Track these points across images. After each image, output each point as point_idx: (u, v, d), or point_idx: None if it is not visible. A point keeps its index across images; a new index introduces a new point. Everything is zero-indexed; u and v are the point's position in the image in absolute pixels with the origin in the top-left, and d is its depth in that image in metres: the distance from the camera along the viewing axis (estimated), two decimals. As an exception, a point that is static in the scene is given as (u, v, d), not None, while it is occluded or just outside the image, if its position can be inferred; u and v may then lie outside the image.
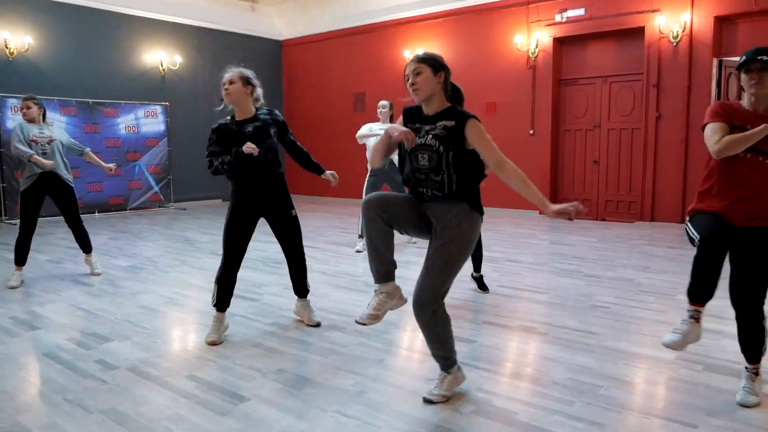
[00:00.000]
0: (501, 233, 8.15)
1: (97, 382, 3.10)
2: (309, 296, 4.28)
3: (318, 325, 4.08)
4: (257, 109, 3.88)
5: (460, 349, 3.65)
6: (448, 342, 2.91)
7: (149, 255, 6.73)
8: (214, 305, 3.82)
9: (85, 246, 5.71)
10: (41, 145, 5.40)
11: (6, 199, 9.59)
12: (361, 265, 6.17)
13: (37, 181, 5.38)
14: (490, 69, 10.74)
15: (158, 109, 11.56)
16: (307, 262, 6.21)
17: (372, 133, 6.89)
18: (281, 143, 4.03)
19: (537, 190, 2.62)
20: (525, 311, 4.49)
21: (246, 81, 3.77)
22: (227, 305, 3.87)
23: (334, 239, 7.86)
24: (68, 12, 10.50)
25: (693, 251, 2.78)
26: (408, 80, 2.74)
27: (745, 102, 2.85)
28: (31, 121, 5.46)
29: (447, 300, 4.70)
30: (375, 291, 2.81)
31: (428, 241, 2.83)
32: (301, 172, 4.10)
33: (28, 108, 5.47)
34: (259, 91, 3.89)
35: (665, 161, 9.30)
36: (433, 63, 2.72)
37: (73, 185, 5.65)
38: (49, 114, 9.88)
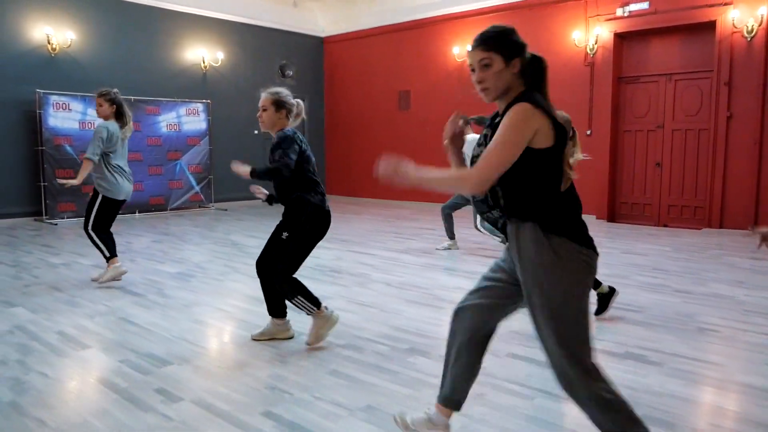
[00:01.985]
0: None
1: (160, 418, 2.67)
2: (377, 311, 3.97)
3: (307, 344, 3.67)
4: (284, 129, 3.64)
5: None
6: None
7: (197, 260, 6.34)
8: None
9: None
10: None
11: (47, 199, 9.33)
12: (426, 275, 5.69)
13: None
14: (545, 66, 10.19)
15: (200, 106, 11.25)
16: (366, 271, 6.04)
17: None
18: None
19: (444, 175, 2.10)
20: (625, 334, 3.97)
21: (279, 105, 3.58)
22: (274, 311, 3.78)
23: (389, 245, 7.40)
24: (111, 7, 10.24)
25: None
26: (473, 72, 2.06)
27: None
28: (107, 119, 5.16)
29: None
30: (426, 412, 2.38)
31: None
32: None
33: (99, 105, 5.17)
34: (297, 110, 3.66)
35: (736, 164, 8.66)
36: (504, 48, 2.00)
37: (99, 192, 5.23)
38: (91, 111, 9.67)
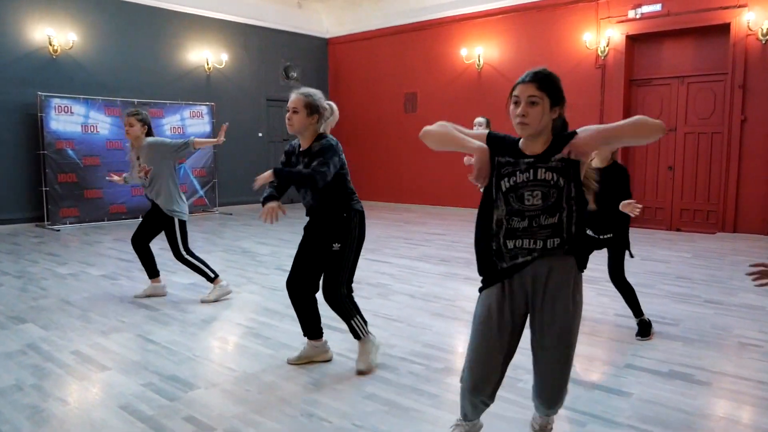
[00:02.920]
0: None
1: (194, 451, 2.49)
2: (404, 325, 3.83)
3: (359, 373, 3.38)
4: (318, 135, 3.34)
5: (612, 403, 3.02)
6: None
7: (209, 270, 6.15)
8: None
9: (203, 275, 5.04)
10: (141, 178, 4.85)
11: (49, 204, 9.12)
12: (447, 285, 5.53)
13: (152, 205, 4.98)
14: (554, 69, 9.52)
15: (204, 109, 11.05)
16: (386, 281, 5.88)
17: None
18: None
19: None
20: (666, 350, 3.80)
21: (312, 109, 3.26)
22: (310, 333, 3.54)
23: (403, 252, 7.23)
24: (113, 8, 10.04)
25: None
26: (516, 105, 2.12)
27: None
28: (135, 141, 4.83)
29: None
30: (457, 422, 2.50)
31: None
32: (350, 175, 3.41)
33: (131, 126, 4.76)
34: (331, 116, 3.39)
35: (751, 167, 8.54)
36: (554, 94, 2.12)
37: (174, 216, 4.89)
38: (93, 114, 9.49)
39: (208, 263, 5.04)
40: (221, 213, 11.15)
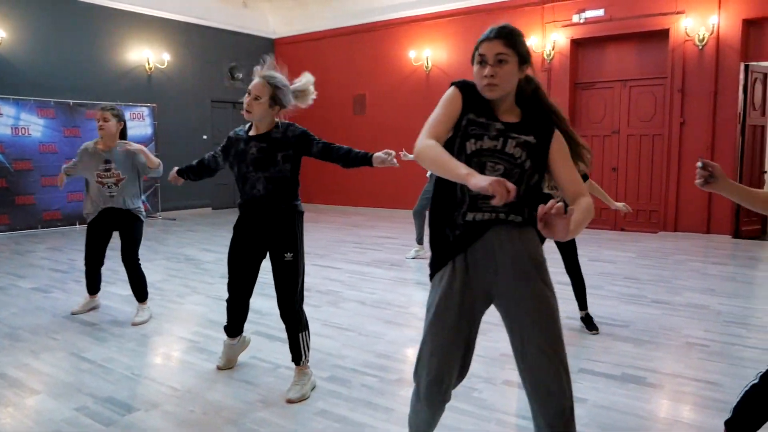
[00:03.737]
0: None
1: (131, 482, 2.31)
2: (355, 334, 3.74)
3: (289, 401, 3.07)
4: (277, 123, 3.16)
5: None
6: None
7: (151, 279, 5.76)
8: (225, 329, 3.46)
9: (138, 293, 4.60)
10: (108, 186, 4.38)
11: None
12: (399, 291, 5.44)
13: (102, 212, 4.48)
14: (502, 71, 10.12)
15: (145, 110, 10.64)
16: (336, 288, 5.74)
17: None
18: (314, 157, 3.22)
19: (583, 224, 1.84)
20: (618, 353, 3.81)
21: (276, 101, 3.05)
22: (236, 331, 3.47)
23: (353, 257, 7.10)
24: (46, 4, 9.53)
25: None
26: (481, 65, 1.91)
27: None
28: (102, 140, 4.40)
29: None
30: None
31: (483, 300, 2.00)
32: None
33: (105, 120, 4.31)
34: (288, 102, 3.13)
35: (690, 168, 8.78)
36: (522, 50, 1.93)
37: (141, 217, 4.61)
38: (25, 116, 9.00)
39: None
40: (164, 218, 10.77)
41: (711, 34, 8.47)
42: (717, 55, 8.51)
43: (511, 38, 1.91)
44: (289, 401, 3.04)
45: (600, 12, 9.31)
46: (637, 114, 9.41)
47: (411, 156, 2.77)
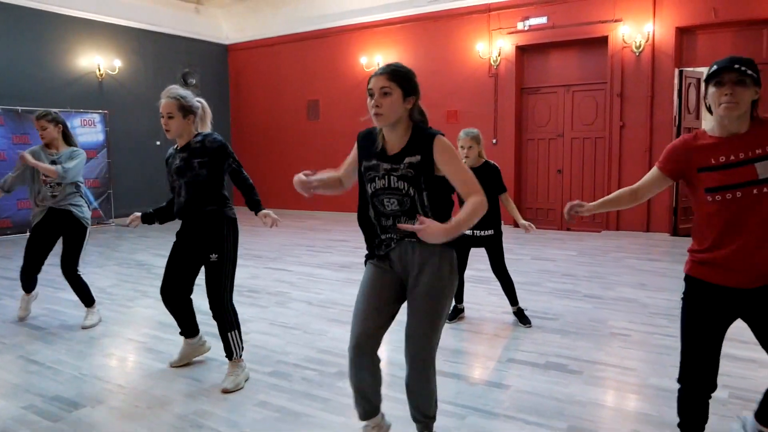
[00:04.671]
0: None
1: (76, 471, 2.45)
2: (300, 332, 3.93)
3: (225, 392, 3.29)
4: (196, 134, 3.38)
5: (492, 396, 3.24)
6: (436, 396, 2.51)
7: (101, 285, 5.92)
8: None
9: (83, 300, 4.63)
10: (51, 186, 4.40)
11: None
12: (346, 291, 5.63)
13: (47, 215, 4.48)
14: (450, 77, 10.42)
15: (96, 117, 10.61)
16: (285, 289, 5.95)
17: None
18: (227, 173, 3.44)
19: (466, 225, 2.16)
20: (545, 343, 4.09)
21: (187, 111, 3.28)
22: (189, 331, 3.62)
23: (305, 260, 7.27)
24: (-8, 10, 9.45)
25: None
26: (371, 97, 2.26)
27: (708, 124, 2.25)
28: (49, 145, 4.45)
29: (458, 333, 4.29)
30: (364, 428, 2.50)
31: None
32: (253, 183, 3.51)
33: (43, 129, 4.39)
34: (203, 113, 3.40)
35: (629, 170, 9.22)
36: (405, 84, 2.25)
37: (87, 225, 4.57)
38: (-28, 124, 8.87)
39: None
40: (117, 225, 10.74)
41: (647, 41, 8.91)
42: (653, 61, 8.95)
43: (395, 74, 2.24)
44: (225, 391, 3.26)
45: (543, 20, 9.69)
46: (579, 118, 9.81)
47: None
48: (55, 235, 4.58)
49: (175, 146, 3.43)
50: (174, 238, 3.50)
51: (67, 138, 4.58)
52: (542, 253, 7.61)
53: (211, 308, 3.36)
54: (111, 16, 11.00)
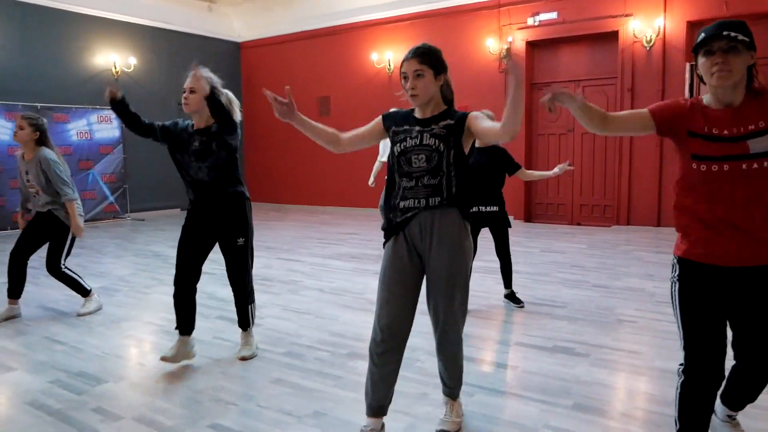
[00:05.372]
0: (484, 239, 7.86)
1: (101, 439, 2.58)
2: (312, 317, 3.96)
3: (243, 359, 3.55)
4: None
5: (499, 375, 3.33)
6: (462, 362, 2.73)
7: (120, 273, 6.09)
8: (176, 328, 3.51)
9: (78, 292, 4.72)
10: (33, 195, 4.47)
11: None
12: (357, 280, 5.74)
13: (36, 217, 4.57)
14: (460, 73, 10.45)
15: (112, 114, 10.72)
16: (297, 278, 6.09)
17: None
18: (224, 135, 3.38)
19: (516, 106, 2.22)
20: (553, 328, 4.17)
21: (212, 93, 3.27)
22: (187, 329, 3.52)
23: (316, 251, 7.40)
24: (12, 10, 9.64)
25: None
26: (405, 80, 2.44)
27: (707, 97, 2.07)
28: (24, 147, 4.49)
29: (468, 319, 4.38)
30: (362, 429, 2.51)
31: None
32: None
33: (21, 128, 4.41)
34: (228, 103, 3.39)
35: (640, 165, 9.26)
36: (436, 64, 2.44)
37: (66, 223, 4.52)
38: (-8, 120, 9.08)
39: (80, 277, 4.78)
40: (133, 219, 10.92)
41: (657, 36, 8.93)
42: (664, 55, 8.96)
43: (425, 56, 2.42)
44: (243, 358, 3.53)
45: (553, 15, 9.73)
46: (590, 113, 9.84)
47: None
48: (37, 234, 4.57)
49: (191, 123, 3.44)
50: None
51: (44, 143, 4.52)
52: (552, 246, 7.68)
53: (234, 288, 3.55)
54: (127, 14, 11.19)
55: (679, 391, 2.09)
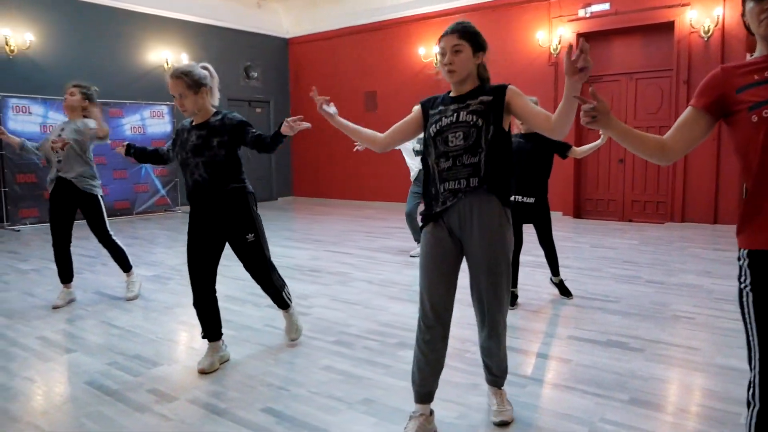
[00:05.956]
0: (532, 235, 7.74)
1: (157, 418, 2.63)
2: (361, 308, 3.93)
3: (292, 340, 3.67)
4: (215, 111, 3.24)
5: (552, 368, 3.27)
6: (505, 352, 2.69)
7: (172, 263, 6.23)
8: (202, 336, 3.34)
9: (122, 264, 4.81)
10: (56, 152, 4.47)
11: (8, 204, 9.04)
12: (405, 273, 5.73)
13: (57, 186, 4.53)
14: (509, 66, 10.33)
15: (164, 109, 11.06)
16: (346, 269, 6.07)
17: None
18: (248, 147, 3.21)
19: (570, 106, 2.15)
20: (606, 323, 4.07)
21: (197, 85, 3.11)
22: (215, 334, 3.33)
23: (364, 244, 7.42)
24: (70, 8, 9.98)
25: None
26: (443, 56, 2.39)
27: (757, 51, 1.81)
28: (69, 112, 4.56)
29: (518, 312, 4.31)
30: (411, 415, 2.48)
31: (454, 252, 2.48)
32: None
33: (71, 95, 4.50)
34: (213, 85, 3.23)
35: (696, 160, 8.94)
36: (475, 41, 2.40)
37: (96, 194, 4.61)
38: (52, 114, 9.43)
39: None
40: (183, 212, 11.17)
41: (716, 26, 8.61)
42: (722, 46, 8.64)
43: (464, 32, 2.39)
44: (294, 339, 3.62)
45: (605, 6, 9.49)
46: (643, 106, 9.58)
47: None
48: (71, 206, 4.60)
49: (191, 120, 3.25)
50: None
51: (90, 113, 4.61)
52: (602, 241, 7.50)
53: (261, 284, 3.46)
54: (178, 12, 11.44)
55: (753, 421, 1.68)
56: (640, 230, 8.54)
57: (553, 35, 9.94)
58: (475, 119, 2.33)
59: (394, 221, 9.73)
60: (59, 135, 4.52)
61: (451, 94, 2.47)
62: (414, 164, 6.60)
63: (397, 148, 6.21)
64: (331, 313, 4.30)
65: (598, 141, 4.67)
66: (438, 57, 2.45)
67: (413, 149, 6.58)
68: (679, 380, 3.13)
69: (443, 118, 2.40)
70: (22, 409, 2.75)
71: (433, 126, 2.43)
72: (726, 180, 8.71)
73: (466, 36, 2.38)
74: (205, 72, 3.21)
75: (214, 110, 3.25)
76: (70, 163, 4.49)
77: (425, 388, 2.49)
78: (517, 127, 4.39)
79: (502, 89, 2.37)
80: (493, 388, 2.69)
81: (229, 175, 3.21)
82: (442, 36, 2.41)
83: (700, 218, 8.96)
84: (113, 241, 4.73)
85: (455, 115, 2.37)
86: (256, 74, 12.81)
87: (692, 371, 3.23)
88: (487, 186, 2.35)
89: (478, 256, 2.40)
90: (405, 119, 2.66)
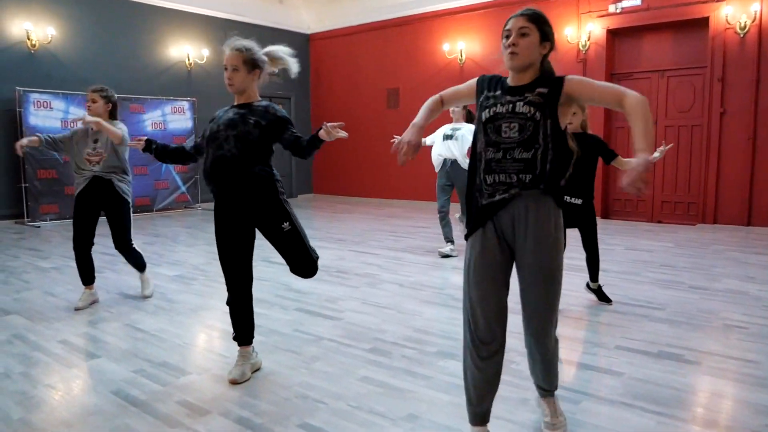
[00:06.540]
0: (569, 236, 7.51)
1: (189, 433, 2.46)
2: (394, 312, 3.80)
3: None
4: (260, 99, 3.11)
5: (605, 382, 3.06)
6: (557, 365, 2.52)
7: (195, 262, 6.08)
8: (233, 337, 3.15)
9: (138, 267, 4.70)
10: (92, 165, 4.32)
11: (28, 200, 8.97)
12: (434, 274, 5.53)
13: (90, 184, 4.36)
14: (537, 63, 10.11)
15: (185, 104, 10.94)
16: (373, 271, 5.81)
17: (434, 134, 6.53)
18: (282, 145, 3.06)
19: (652, 133, 2.04)
20: (654, 332, 3.84)
21: (253, 65, 3.01)
22: (247, 338, 3.14)
23: (389, 244, 7.22)
24: (92, 3, 9.90)
25: None
26: (507, 38, 2.21)
27: None
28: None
29: (565, 322, 4.10)
30: None
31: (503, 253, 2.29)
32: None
33: (93, 102, 4.32)
34: (265, 72, 3.12)
35: (730, 160, 8.66)
36: (544, 28, 2.23)
37: (128, 199, 4.47)
38: (73, 109, 9.34)
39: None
40: (204, 209, 11.05)
41: (753, 22, 8.31)
42: (759, 42, 8.34)
43: (534, 16, 2.23)
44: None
45: (637, 1, 9.22)
46: (675, 104, 9.30)
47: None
48: (98, 207, 4.46)
49: (230, 105, 3.12)
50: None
51: (116, 116, 4.50)
52: (635, 244, 7.26)
53: (303, 275, 3.15)
54: (200, 7, 11.31)
55: None
56: (671, 232, 8.27)
57: (581, 31, 9.68)
58: (532, 112, 2.15)
59: (418, 220, 9.54)
60: (94, 149, 4.36)
61: (509, 82, 2.27)
62: (441, 153, 6.38)
63: (426, 142, 5.99)
64: (364, 318, 4.11)
65: (657, 153, 4.57)
66: (502, 42, 2.24)
67: (444, 134, 6.42)
68: (744, 397, 2.90)
69: (498, 105, 2.21)
70: (45, 421, 2.59)
71: (486, 111, 2.24)
72: (761, 180, 8.41)
73: (536, 21, 2.22)
74: (264, 57, 3.11)
75: (260, 98, 3.12)
76: (110, 166, 4.39)
77: (482, 407, 2.31)
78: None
79: (559, 80, 2.20)
80: (545, 398, 2.53)
81: (258, 156, 2.98)
82: (509, 19, 2.26)
83: (733, 220, 8.67)
84: (133, 248, 4.59)
85: (510, 105, 2.19)
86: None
87: (756, 387, 3.01)
88: (544, 186, 2.17)
89: (533, 263, 2.21)
90: (463, 86, 2.48)
